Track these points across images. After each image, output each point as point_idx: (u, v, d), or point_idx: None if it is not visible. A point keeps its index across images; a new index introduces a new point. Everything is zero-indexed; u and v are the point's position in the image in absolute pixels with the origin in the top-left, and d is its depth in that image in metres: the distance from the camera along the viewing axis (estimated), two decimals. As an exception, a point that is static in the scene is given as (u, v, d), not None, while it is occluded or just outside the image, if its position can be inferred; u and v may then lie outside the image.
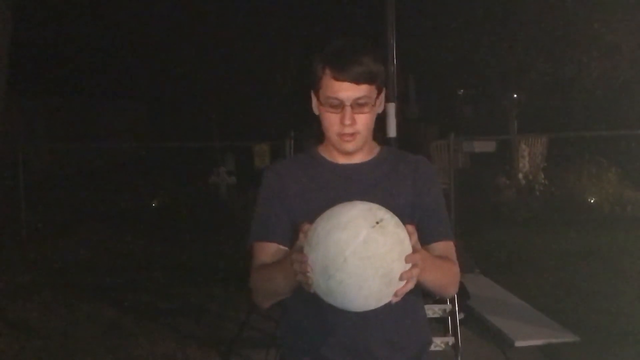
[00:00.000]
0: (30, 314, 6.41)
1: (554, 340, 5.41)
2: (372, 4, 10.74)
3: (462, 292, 5.71)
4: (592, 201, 11.28)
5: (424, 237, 1.84)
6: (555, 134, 13.35)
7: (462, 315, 5.30)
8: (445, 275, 2.00)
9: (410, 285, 1.68)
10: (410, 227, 1.71)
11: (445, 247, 2.05)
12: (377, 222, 1.64)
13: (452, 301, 4.80)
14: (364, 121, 1.97)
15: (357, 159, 2.07)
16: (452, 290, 2.10)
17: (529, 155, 11.61)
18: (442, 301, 4.81)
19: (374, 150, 2.11)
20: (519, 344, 5.40)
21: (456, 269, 2.06)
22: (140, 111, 22.69)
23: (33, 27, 16.01)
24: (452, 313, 4.86)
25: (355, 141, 1.99)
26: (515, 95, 15.84)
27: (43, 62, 18.08)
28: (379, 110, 2.04)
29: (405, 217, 1.76)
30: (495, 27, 13.49)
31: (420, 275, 1.70)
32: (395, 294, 1.67)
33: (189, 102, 18.70)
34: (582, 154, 12.85)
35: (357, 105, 1.93)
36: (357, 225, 1.63)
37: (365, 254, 1.60)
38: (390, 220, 1.67)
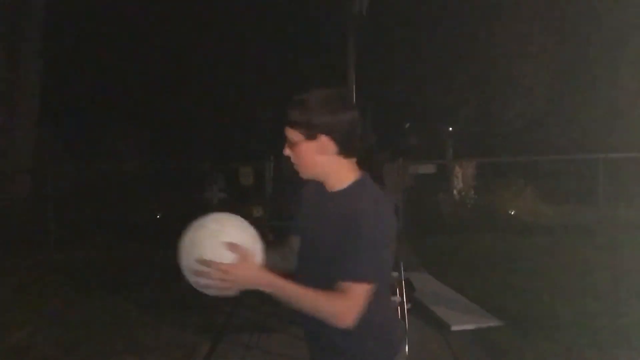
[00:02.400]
0: (54, 307, 6.30)
1: (483, 325, 5.45)
2: (336, 46, 10.73)
3: (409, 286, 5.72)
4: (512, 213, 11.40)
5: (333, 273, 1.84)
6: (483, 158, 13.51)
7: (410, 305, 5.31)
8: (315, 309, 1.84)
9: (221, 287, 1.88)
10: (242, 250, 1.85)
11: (341, 286, 1.84)
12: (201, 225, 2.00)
13: (401, 293, 4.82)
14: (295, 156, 1.99)
15: (330, 187, 2.02)
16: (337, 322, 1.83)
17: (462, 176, 11.69)
18: (393, 293, 4.82)
19: (344, 183, 2.00)
20: (454, 328, 5.43)
21: (338, 306, 1.82)
22: (144, 135, 22.19)
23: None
24: (401, 303, 4.87)
25: (299, 170, 2.02)
26: (450, 128, 16.01)
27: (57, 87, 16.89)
28: (320, 153, 1.95)
29: (326, 250, 1.88)
30: (434, 73, 13.65)
31: (280, 298, 1.83)
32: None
33: (187, 127, 18.52)
34: (505, 174, 13.02)
35: (289, 143, 1.99)
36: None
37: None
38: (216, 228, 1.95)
